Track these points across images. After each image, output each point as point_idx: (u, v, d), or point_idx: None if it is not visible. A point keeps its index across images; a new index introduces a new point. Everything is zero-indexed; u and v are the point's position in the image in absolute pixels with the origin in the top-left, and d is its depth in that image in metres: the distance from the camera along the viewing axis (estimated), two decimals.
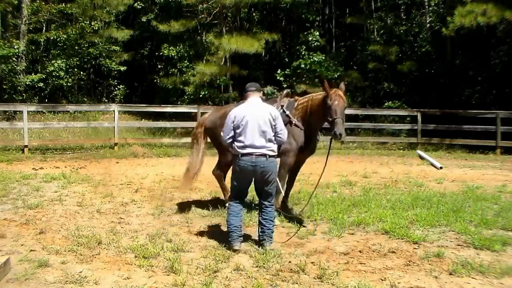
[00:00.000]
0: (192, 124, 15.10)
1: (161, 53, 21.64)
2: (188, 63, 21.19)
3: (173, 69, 22.29)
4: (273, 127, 4.86)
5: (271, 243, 4.90)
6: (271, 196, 4.99)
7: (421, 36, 21.81)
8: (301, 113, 5.83)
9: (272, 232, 4.95)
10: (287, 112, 5.89)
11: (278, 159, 5.30)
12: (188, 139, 15.01)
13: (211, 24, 21.88)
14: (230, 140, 4.94)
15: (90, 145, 14.21)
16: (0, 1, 18.70)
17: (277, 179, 5.12)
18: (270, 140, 4.85)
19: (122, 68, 22.15)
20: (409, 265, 4.48)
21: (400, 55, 21.12)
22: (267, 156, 4.81)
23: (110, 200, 7.16)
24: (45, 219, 5.97)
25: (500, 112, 14.29)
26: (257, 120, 4.82)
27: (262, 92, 5.20)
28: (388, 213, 6.22)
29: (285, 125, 5.86)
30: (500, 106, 15.15)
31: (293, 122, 5.83)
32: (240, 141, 4.83)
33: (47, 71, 19.78)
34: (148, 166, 10.96)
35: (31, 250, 4.70)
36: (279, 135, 4.91)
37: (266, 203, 4.94)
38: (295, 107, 5.92)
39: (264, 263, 4.41)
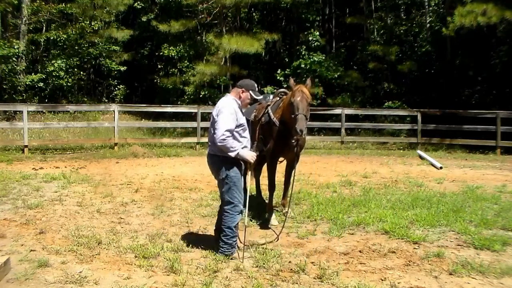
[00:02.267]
0: (192, 124, 15.18)
1: (161, 53, 21.63)
2: (188, 63, 21.20)
3: (173, 69, 22.31)
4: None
5: (227, 252, 4.59)
6: (228, 204, 4.62)
7: (421, 36, 21.82)
8: (281, 111, 5.83)
9: (226, 243, 4.59)
10: (270, 112, 5.93)
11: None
12: (188, 139, 15.06)
13: (211, 24, 21.88)
14: None
15: (90, 145, 14.22)
16: (0, 1, 18.70)
17: (235, 189, 4.64)
18: (211, 138, 4.64)
19: (122, 68, 22.17)
20: (409, 265, 4.47)
21: (400, 55, 21.12)
22: (209, 154, 4.75)
23: (110, 200, 7.16)
24: (45, 219, 5.97)
25: (500, 112, 14.29)
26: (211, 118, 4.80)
27: (243, 89, 4.73)
28: (388, 213, 6.22)
29: (266, 123, 5.93)
30: (500, 106, 15.15)
31: (272, 120, 5.84)
32: None
33: (47, 71, 19.79)
34: (148, 166, 10.95)
35: (31, 250, 4.70)
36: (214, 132, 4.54)
37: (224, 208, 4.67)
38: (278, 106, 5.94)
39: (264, 263, 4.41)
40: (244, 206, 4.78)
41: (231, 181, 4.59)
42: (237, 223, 4.67)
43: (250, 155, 4.59)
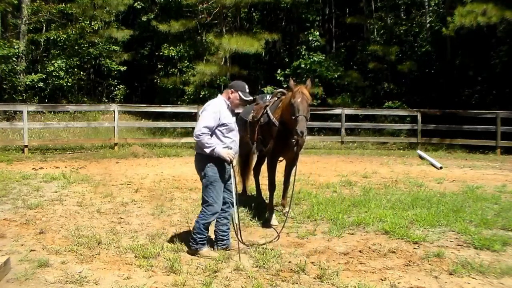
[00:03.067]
0: (192, 124, 15.17)
1: (161, 53, 21.64)
2: (188, 63, 21.20)
3: (173, 69, 22.31)
4: None
5: (192, 247, 4.68)
6: (204, 202, 4.71)
7: (421, 36, 21.82)
8: (280, 112, 5.83)
9: (192, 238, 4.69)
10: (269, 112, 5.94)
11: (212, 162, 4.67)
12: (188, 139, 15.05)
13: (211, 24, 21.88)
14: None
15: (90, 145, 14.22)
16: (0, 1, 18.70)
17: (209, 190, 4.67)
18: None
19: (122, 68, 22.17)
20: (409, 265, 4.47)
21: (400, 55, 21.12)
22: (195, 153, 4.84)
23: (110, 200, 7.16)
24: (45, 219, 5.97)
25: (500, 112, 14.30)
26: None
27: (232, 90, 4.72)
28: (388, 213, 6.22)
29: (266, 124, 5.94)
30: (500, 106, 15.16)
31: (272, 120, 5.85)
32: None
33: (47, 71, 19.80)
34: (148, 166, 10.95)
35: (31, 250, 4.70)
36: None
37: (202, 205, 4.77)
38: (278, 107, 5.94)
39: (264, 263, 4.41)
40: (233, 205, 4.78)
41: (208, 180, 4.65)
42: (209, 223, 4.68)
43: (226, 153, 4.57)
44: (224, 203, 4.79)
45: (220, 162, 4.61)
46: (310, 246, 5.05)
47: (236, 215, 4.86)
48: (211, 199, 4.64)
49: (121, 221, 6.00)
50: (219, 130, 4.61)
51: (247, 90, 4.81)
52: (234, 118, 4.80)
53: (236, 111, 5.04)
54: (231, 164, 4.68)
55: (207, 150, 4.54)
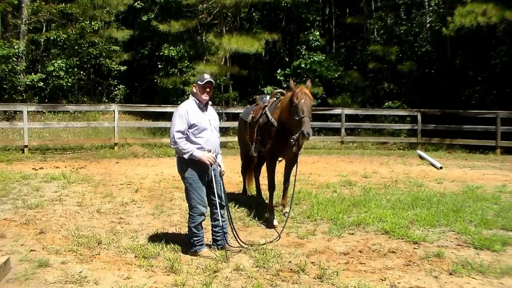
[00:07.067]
0: None
1: (161, 53, 21.63)
2: (188, 63, 21.19)
3: (173, 69, 22.29)
4: None
5: (192, 249, 4.67)
6: (189, 206, 4.70)
7: (421, 36, 21.83)
8: (279, 112, 5.82)
9: (190, 243, 4.68)
10: (268, 112, 5.94)
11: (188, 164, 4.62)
12: None
13: (211, 24, 21.88)
14: None
15: (90, 145, 14.22)
16: (0, 1, 18.70)
17: (189, 194, 4.65)
18: None
19: (122, 68, 22.16)
20: (409, 265, 4.47)
21: (400, 55, 21.14)
22: None
23: (110, 200, 7.17)
24: (45, 219, 5.97)
25: (500, 112, 14.31)
26: None
27: (194, 85, 4.77)
28: (388, 213, 6.21)
29: (264, 124, 5.94)
30: (500, 106, 15.17)
31: (270, 121, 5.85)
32: None
33: (47, 71, 19.78)
34: (148, 166, 10.96)
35: (31, 250, 4.70)
36: None
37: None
38: (276, 107, 5.94)
39: (264, 263, 4.40)
40: (221, 208, 4.76)
41: (186, 182, 4.64)
42: (199, 224, 4.66)
43: (206, 157, 4.53)
44: (211, 205, 4.78)
45: (198, 164, 4.56)
46: (310, 246, 5.04)
47: (227, 215, 4.86)
48: (193, 201, 4.62)
49: (121, 221, 6.00)
50: (189, 131, 4.55)
51: (206, 77, 4.70)
52: (203, 116, 4.65)
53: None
54: (212, 166, 4.64)
55: (186, 156, 4.51)
